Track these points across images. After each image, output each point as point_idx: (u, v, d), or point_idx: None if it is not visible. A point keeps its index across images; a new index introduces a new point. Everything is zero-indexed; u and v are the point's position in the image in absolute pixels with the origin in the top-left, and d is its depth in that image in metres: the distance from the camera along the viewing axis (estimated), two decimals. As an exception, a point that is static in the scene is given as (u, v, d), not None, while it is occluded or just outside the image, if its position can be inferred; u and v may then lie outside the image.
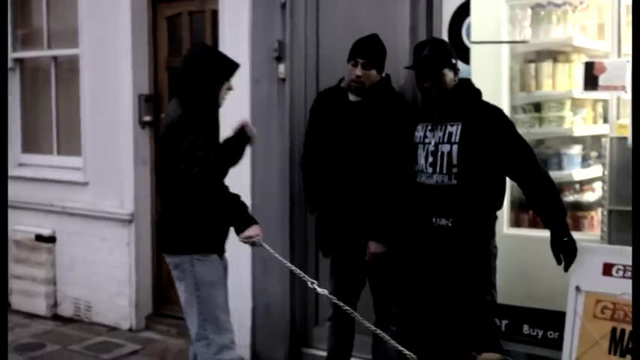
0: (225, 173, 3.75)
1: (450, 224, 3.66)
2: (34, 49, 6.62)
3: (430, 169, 3.68)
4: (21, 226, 6.38)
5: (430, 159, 3.68)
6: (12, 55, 6.64)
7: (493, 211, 3.74)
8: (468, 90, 3.74)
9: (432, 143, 3.68)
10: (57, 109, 6.49)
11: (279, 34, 4.75)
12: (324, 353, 4.53)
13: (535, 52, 4.53)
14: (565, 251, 3.60)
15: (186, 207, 3.63)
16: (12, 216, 6.36)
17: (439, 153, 3.65)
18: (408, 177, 3.84)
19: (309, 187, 4.25)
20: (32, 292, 6.30)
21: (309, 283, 3.68)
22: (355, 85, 3.94)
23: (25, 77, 6.78)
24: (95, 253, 5.91)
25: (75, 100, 6.10)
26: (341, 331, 4.29)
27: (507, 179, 3.76)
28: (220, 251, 3.84)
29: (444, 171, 3.62)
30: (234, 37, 4.94)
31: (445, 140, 3.64)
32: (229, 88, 3.84)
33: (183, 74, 3.76)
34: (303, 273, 3.76)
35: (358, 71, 3.90)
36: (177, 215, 3.68)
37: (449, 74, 3.64)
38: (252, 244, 3.75)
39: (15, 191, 6.38)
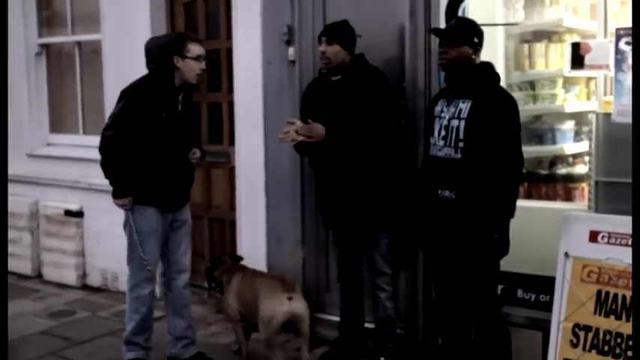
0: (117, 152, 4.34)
1: (453, 196, 3.84)
2: (59, 34, 6.93)
3: (442, 143, 3.88)
4: (51, 202, 6.75)
5: (443, 133, 3.88)
6: (38, 40, 6.99)
7: (510, 187, 3.82)
8: (485, 72, 3.91)
9: (447, 118, 3.87)
10: (82, 92, 6.82)
11: (289, 19, 5.02)
12: (336, 318, 4.87)
13: (531, 32, 4.75)
14: (492, 247, 3.81)
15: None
16: (42, 192, 6.78)
17: (450, 127, 3.84)
18: (396, 147, 4.14)
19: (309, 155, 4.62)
20: (62, 264, 6.67)
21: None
22: (324, 63, 4.32)
23: (51, 61, 7.10)
24: (120, 227, 6.12)
25: (98, 83, 6.38)
26: (349, 290, 4.64)
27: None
28: (165, 207, 4.44)
29: (452, 144, 3.82)
30: (247, 22, 5.22)
31: (456, 116, 3.82)
32: (197, 58, 4.34)
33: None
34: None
35: (322, 47, 4.28)
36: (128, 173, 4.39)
37: (464, 50, 3.81)
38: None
39: (44, 169, 6.79)
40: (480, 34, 3.90)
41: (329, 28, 4.40)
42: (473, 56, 3.86)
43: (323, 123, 4.32)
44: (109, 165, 4.36)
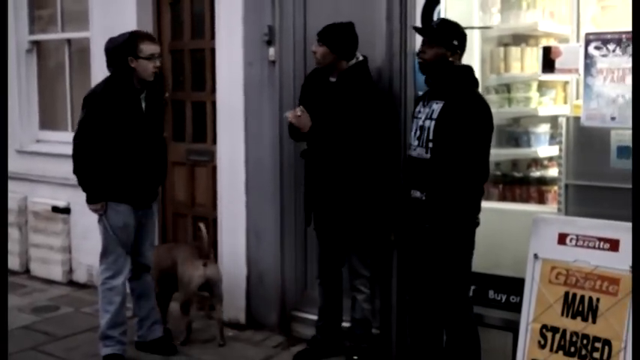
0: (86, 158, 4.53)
1: (423, 197, 3.89)
2: (49, 31, 7.01)
3: (416, 143, 3.94)
4: (38, 198, 6.82)
5: (418, 133, 3.93)
6: (29, 37, 7.05)
7: (469, 187, 3.86)
8: (461, 74, 3.94)
9: (422, 118, 3.92)
10: (71, 89, 6.87)
11: (270, 19, 5.07)
12: (313, 316, 4.92)
13: (509, 36, 4.79)
14: (456, 245, 3.89)
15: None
16: (30, 188, 6.84)
17: (424, 128, 3.89)
18: (379, 153, 4.19)
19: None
20: (49, 260, 6.73)
21: None
22: (316, 61, 4.42)
23: (42, 58, 7.17)
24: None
25: (87, 81, 6.39)
26: (328, 288, 4.69)
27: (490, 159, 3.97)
28: (136, 204, 4.61)
29: (423, 145, 3.87)
30: (229, 23, 5.27)
31: (429, 116, 3.87)
32: (149, 57, 4.42)
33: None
34: None
35: (314, 47, 4.38)
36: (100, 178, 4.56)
37: (441, 51, 3.84)
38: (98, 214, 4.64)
39: (33, 165, 6.85)
40: (461, 37, 3.93)
41: (322, 29, 4.43)
42: (450, 58, 3.89)
43: (313, 119, 4.40)
44: (80, 172, 4.55)
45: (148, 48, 4.44)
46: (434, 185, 3.86)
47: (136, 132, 4.51)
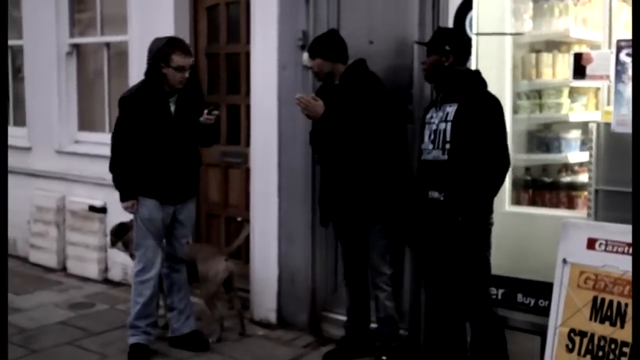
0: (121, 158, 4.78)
1: (441, 198, 4.00)
2: (89, 35, 7.17)
3: (430, 146, 4.05)
4: (76, 197, 6.98)
5: (432, 137, 4.05)
6: (69, 40, 7.22)
7: (490, 187, 3.96)
8: (470, 78, 4.07)
9: (435, 123, 4.04)
10: (109, 91, 7.01)
11: (304, 24, 5.17)
12: (342, 317, 4.99)
13: (542, 42, 4.82)
14: (455, 227, 3.94)
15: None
16: (68, 188, 7.01)
17: (438, 131, 4.01)
18: (395, 150, 4.32)
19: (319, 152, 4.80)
20: (85, 258, 6.89)
21: None
22: (314, 75, 4.64)
23: (81, 61, 7.34)
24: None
25: (125, 83, 6.52)
26: (354, 289, 4.77)
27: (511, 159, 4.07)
28: (163, 199, 4.80)
29: (439, 147, 3.99)
30: (264, 27, 5.36)
31: (443, 119, 3.99)
32: (178, 69, 4.58)
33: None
34: None
35: (309, 64, 4.62)
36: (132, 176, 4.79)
37: (436, 58, 4.03)
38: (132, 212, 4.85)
39: (71, 165, 7.02)
40: (454, 42, 4.05)
41: (310, 45, 4.65)
42: (446, 63, 4.02)
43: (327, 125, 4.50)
44: (115, 169, 4.80)
45: (179, 60, 4.59)
46: (453, 185, 3.95)
47: (164, 133, 4.70)
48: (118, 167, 4.77)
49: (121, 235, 5.50)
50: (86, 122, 7.33)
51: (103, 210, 6.78)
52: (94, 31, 7.09)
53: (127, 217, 6.32)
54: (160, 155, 4.72)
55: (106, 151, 6.70)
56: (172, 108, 4.73)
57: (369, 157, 4.43)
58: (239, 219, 5.25)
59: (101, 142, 6.88)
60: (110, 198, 6.66)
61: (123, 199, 4.79)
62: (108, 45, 7.01)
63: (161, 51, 4.61)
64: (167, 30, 6.05)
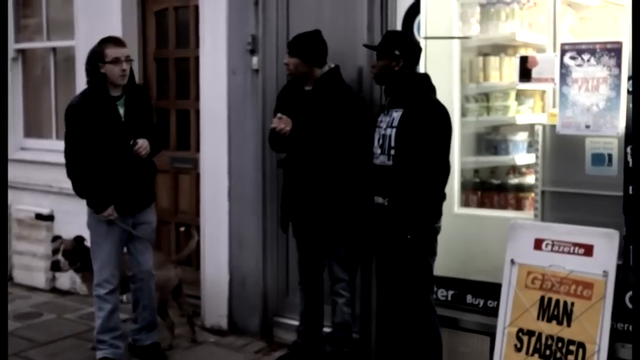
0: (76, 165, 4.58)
1: (385, 203, 4.01)
2: (35, 40, 7.05)
3: (379, 151, 4.06)
4: (22, 205, 6.83)
5: (380, 141, 4.06)
6: (14, 45, 7.08)
7: (430, 192, 3.94)
8: (417, 82, 4.08)
9: (384, 127, 4.05)
10: (56, 97, 6.91)
11: (253, 28, 5.15)
12: (294, 322, 4.96)
13: (489, 46, 4.89)
14: (416, 249, 3.95)
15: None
16: (14, 196, 6.83)
17: (385, 136, 4.02)
18: (355, 160, 4.26)
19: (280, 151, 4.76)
20: (32, 267, 6.75)
21: None
22: (289, 72, 4.53)
23: (27, 66, 7.20)
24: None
25: (72, 88, 6.43)
26: (309, 293, 4.74)
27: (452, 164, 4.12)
28: (121, 210, 4.62)
29: (385, 152, 4.00)
30: (213, 32, 5.34)
31: (390, 124, 4.00)
32: (113, 62, 4.49)
33: None
34: None
35: (285, 59, 4.50)
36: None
37: (386, 62, 4.02)
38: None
39: (17, 173, 6.84)
40: (403, 47, 4.04)
41: (291, 41, 4.56)
42: (396, 68, 4.03)
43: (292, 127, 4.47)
44: (80, 186, 4.59)
45: (112, 52, 4.50)
46: (396, 191, 3.96)
47: (115, 138, 4.54)
48: (81, 179, 4.56)
49: (76, 258, 5.09)
50: (33, 129, 7.20)
51: (50, 218, 6.66)
52: (40, 37, 6.97)
53: (76, 224, 6.30)
54: (114, 162, 4.55)
55: (54, 158, 6.68)
56: (121, 111, 4.61)
57: (335, 164, 4.39)
58: (182, 229, 5.07)
59: (48, 148, 6.82)
60: (57, 206, 6.62)
61: (99, 211, 4.57)
62: (54, 50, 6.90)
63: (94, 52, 4.54)
64: (115, 34, 5.96)
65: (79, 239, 5.11)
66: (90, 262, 4.82)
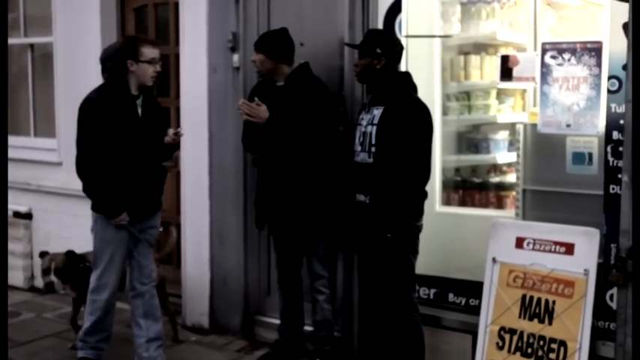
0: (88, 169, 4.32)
1: (367, 201, 4.01)
2: (12, 36, 6.93)
3: (359, 148, 4.06)
4: (0, 203, 6.76)
5: (361, 139, 4.05)
6: (-10, 41, 6.99)
7: (410, 190, 3.93)
8: (399, 80, 4.08)
9: (364, 125, 4.05)
10: (34, 94, 6.83)
11: (234, 26, 5.12)
12: (276, 320, 4.95)
13: (470, 44, 4.91)
14: (396, 247, 3.94)
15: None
16: (-9, 194, 6.76)
17: (366, 133, 4.01)
18: (334, 154, 4.28)
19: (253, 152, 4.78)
20: (10, 266, 6.63)
21: None
22: (257, 69, 4.55)
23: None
24: (68, 229, 6.20)
25: (50, 86, 6.42)
26: (288, 292, 4.74)
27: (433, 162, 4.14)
28: (132, 216, 4.37)
29: (366, 150, 4.00)
30: (193, 29, 5.29)
31: (370, 122, 4.00)
32: (150, 62, 4.32)
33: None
34: None
35: (253, 56, 4.53)
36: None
37: (367, 60, 4.02)
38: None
39: (-6, 171, 6.77)
40: (385, 45, 4.04)
41: (258, 39, 4.59)
42: (378, 66, 4.03)
43: (265, 126, 4.44)
44: (93, 190, 4.33)
45: (149, 52, 4.31)
46: (377, 188, 3.96)
47: (134, 138, 4.31)
48: (95, 181, 4.28)
49: (69, 274, 4.84)
50: (10, 126, 7.05)
51: (28, 216, 6.60)
52: (18, 33, 6.87)
53: (55, 223, 6.26)
54: (129, 164, 4.29)
55: (32, 155, 6.64)
56: (139, 111, 4.37)
57: (308, 159, 4.38)
58: (160, 228, 4.88)
59: (26, 146, 6.73)
60: (36, 204, 6.56)
61: (113, 216, 4.30)
62: (32, 46, 6.82)
63: (126, 48, 4.32)
64: (93, 31, 5.96)
65: (70, 254, 4.86)
66: (83, 275, 4.66)
